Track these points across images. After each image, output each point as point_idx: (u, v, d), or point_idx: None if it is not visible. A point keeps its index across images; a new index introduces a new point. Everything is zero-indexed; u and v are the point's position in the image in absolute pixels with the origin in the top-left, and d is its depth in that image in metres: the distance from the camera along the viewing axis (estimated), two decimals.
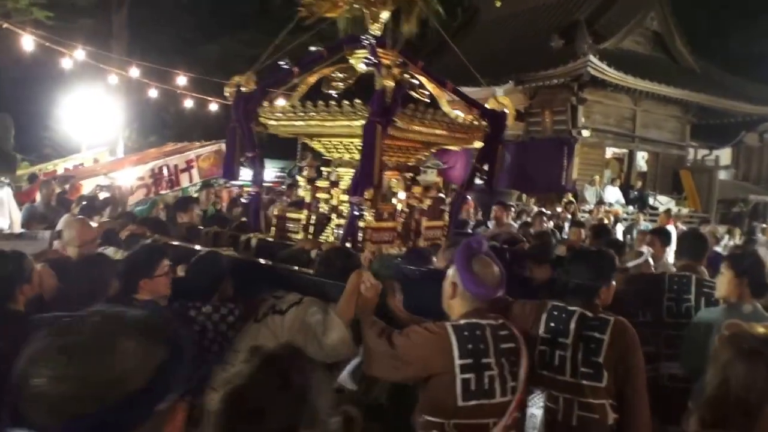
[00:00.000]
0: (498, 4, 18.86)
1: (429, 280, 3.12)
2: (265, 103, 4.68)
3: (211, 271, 3.24)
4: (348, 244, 4.03)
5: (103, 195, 8.29)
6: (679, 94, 17.40)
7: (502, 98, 5.24)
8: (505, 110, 5.05)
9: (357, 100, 4.00)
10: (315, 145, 4.83)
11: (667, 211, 12.51)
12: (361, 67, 4.54)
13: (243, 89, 4.59)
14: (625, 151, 19.03)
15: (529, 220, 8.79)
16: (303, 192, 4.74)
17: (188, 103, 15.97)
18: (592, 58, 15.17)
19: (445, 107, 4.95)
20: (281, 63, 4.65)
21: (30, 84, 17.95)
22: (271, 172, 19.10)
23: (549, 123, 17.31)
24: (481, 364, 2.38)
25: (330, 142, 4.66)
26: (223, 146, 6.89)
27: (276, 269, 3.62)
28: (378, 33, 4.75)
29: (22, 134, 13.18)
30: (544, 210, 10.61)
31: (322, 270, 3.37)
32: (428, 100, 4.82)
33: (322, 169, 5.02)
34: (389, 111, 4.01)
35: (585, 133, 16.75)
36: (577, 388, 2.59)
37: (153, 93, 15.29)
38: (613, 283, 2.81)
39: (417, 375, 2.51)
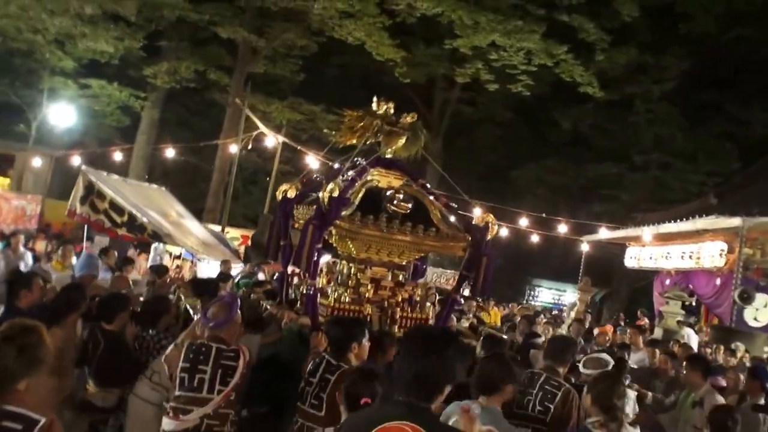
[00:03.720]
0: None
1: None
2: (300, 206, 6.40)
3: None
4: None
5: None
6: None
7: (487, 215, 5.96)
8: (489, 223, 5.80)
9: None
10: None
11: None
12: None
13: (288, 194, 6.45)
14: None
15: None
16: None
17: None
18: None
19: (435, 217, 5.95)
20: (315, 176, 6.46)
21: None
22: None
23: None
24: None
25: None
26: None
27: None
28: (390, 156, 6.15)
29: None
30: None
31: None
32: (405, 212, 5.84)
33: None
34: (325, 217, 5.39)
35: None
36: None
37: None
38: None
39: None
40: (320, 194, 5.46)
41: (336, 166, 6.51)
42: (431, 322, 5.98)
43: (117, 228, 9.44)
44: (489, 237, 5.79)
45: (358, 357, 4.11)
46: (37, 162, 18.17)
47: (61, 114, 20.13)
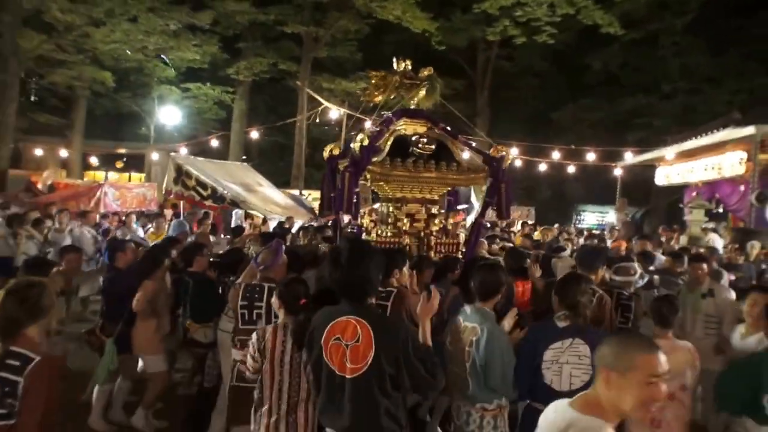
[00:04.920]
0: None
1: None
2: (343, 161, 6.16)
3: None
4: None
5: None
6: None
7: (501, 147, 5.56)
8: (503, 154, 5.39)
9: None
10: None
11: None
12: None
13: (333, 152, 6.21)
14: None
15: None
16: None
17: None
18: None
19: (457, 155, 5.60)
20: (353, 133, 6.15)
21: None
22: None
23: None
24: None
25: None
26: None
27: None
28: (413, 106, 5.80)
29: None
30: None
31: None
32: (430, 153, 5.52)
33: None
34: (358, 164, 5.12)
35: None
36: None
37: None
38: None
39: None
40: (352, 145, 5.20)
41: (368, 123, 6.18)
42: (462, 246, 5.74)
43: (204, 200, 9.63)
44: (504, 166, 5.47)
45: (399, 281, 3.91)
46: (155, 156, 18.86)
47: (170, 115, 20.77)
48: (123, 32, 16.57)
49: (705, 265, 5.03)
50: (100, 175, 23.02)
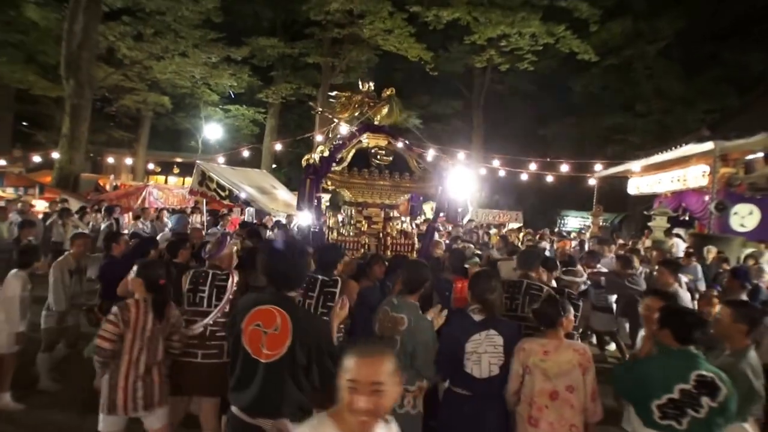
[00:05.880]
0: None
1: None
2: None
3: None
4: None
5: None
6: None
7: (446, 158, 5.54)
8: (447, 164, 5.41)
9: None
10: None
11: None
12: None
13: (324, 154, 6.13)
14: None
15: None
16: None
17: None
18: None
19: (413, 166, 5.61)
20: (336, 142, 6.20)
21: None
22: None
23: None
24: None
25: None
26: None
27: None
28: (377, 123, 5.81)
29: None
30: None
31: None
32: (387, 163, 5.56)
33: None
34: (318, 172, 5.20)
35: None
36: None
37: (500, 172, 17.05)
38: None
39: None
40: (313, 155, 5.28)
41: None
42: (417, 245, 5.68)
43: (222, 199, 9.89)
44: (448, 175, 5.49)
45: (343, 271, 3.93)
46: (225, 168, 19.35)
47: (214, 131, 21.34)
48: (176, 65, 17.19)
49: (669, 270, 4.69)
50: (161, 179, 23.85)
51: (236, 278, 3.61)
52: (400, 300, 3.11)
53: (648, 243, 11.67)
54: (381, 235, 5.59)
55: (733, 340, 2.79)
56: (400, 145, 5.83)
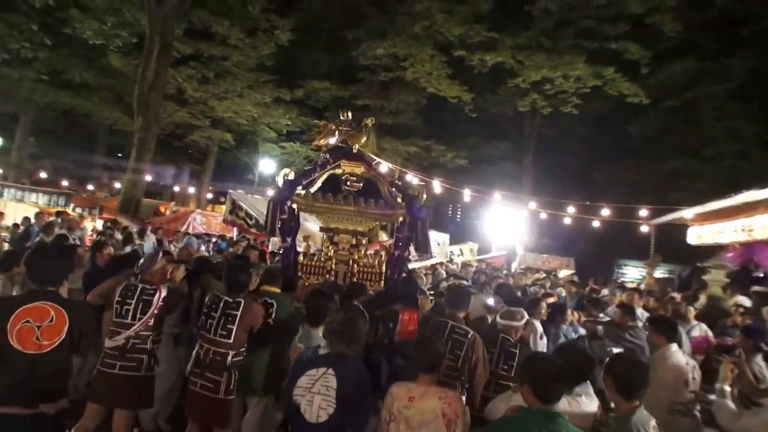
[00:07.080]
0: None
1: None
2: (299, 189, 5.99)
3: None
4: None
5: None
6: None
7: (418, 187, 5.41)
8: (418, 193, 5.34)
9: None
10: None
11: None
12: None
13: (288, 177, 6.07)
14: None
15: None
16: None
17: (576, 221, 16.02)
18: None
19: (384, 193, 5.57)
20: (308, 167, 6.32)
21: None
22: None
23: None
24: None
25: None
26: None
27: None
28: (356, 150, 5.84)
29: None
30: None
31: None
32: (357, 190, 5.54)
33: None
34: (281, 194, 5.28)
35: None
36: None
37: (544, 215, 16.19)
38: None
39: None
40: (277, 178, 5.37)
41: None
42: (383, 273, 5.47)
43: (250, 228, 10.27)
44: (419, 204, 5.28)
45: (300, 294, 4.04)
46: (256, 198, 20.43)
47: (268, 165, 22.64)
48: (236, 104, 18.72)
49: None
50: (222, 208, 25.46)
51: (164, 293, 3.65)
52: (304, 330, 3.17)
53: (703, 299, 10.32)
54: (351, 261, 5.51)
55: (619, 405, 2.37)
56: (383, 170, 5.80)
